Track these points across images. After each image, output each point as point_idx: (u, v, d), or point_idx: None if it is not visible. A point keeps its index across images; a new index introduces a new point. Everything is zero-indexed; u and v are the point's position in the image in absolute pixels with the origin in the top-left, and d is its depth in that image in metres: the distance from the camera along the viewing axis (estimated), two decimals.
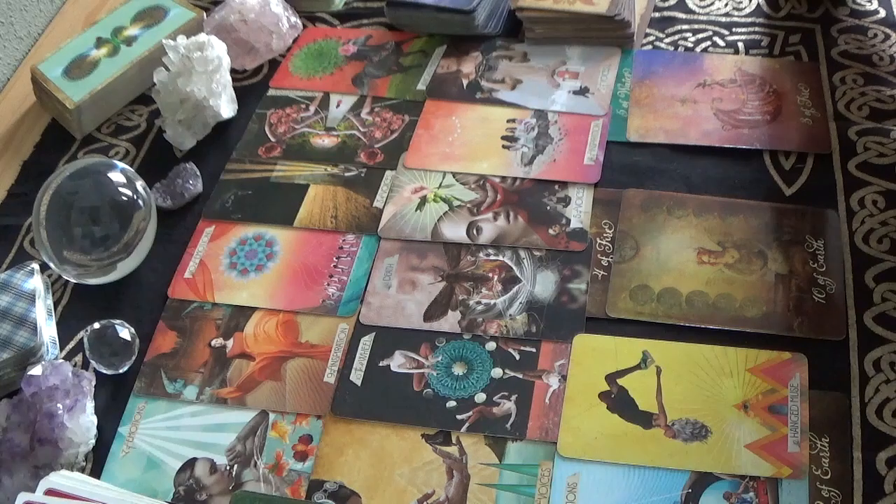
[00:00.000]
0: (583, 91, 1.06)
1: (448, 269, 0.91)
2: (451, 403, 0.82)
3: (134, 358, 0.87)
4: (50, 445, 0.78)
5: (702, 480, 0.75)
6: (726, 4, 1.15)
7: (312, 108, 1.10)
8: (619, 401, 0.80)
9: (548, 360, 0.84)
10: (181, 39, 1.03)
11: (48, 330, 0.90)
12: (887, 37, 1.07)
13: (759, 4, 1.14)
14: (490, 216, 0.95)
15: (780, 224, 0.91)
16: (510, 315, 0.87)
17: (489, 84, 1.08)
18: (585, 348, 0.84)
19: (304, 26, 1.19)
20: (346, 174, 1.02)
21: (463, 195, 0.97)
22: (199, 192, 1.02)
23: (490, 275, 0.90)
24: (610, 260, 0.90)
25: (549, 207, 0.95)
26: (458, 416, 0.81)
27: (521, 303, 0.88)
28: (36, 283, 0.90)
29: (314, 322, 0.89)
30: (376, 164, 1.02)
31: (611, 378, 0.81)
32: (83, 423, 0.80)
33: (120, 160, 1.01)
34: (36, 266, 0.92)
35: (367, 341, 0.87)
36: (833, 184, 0.93)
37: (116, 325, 0.87)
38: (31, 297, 0.89)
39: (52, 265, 0.91)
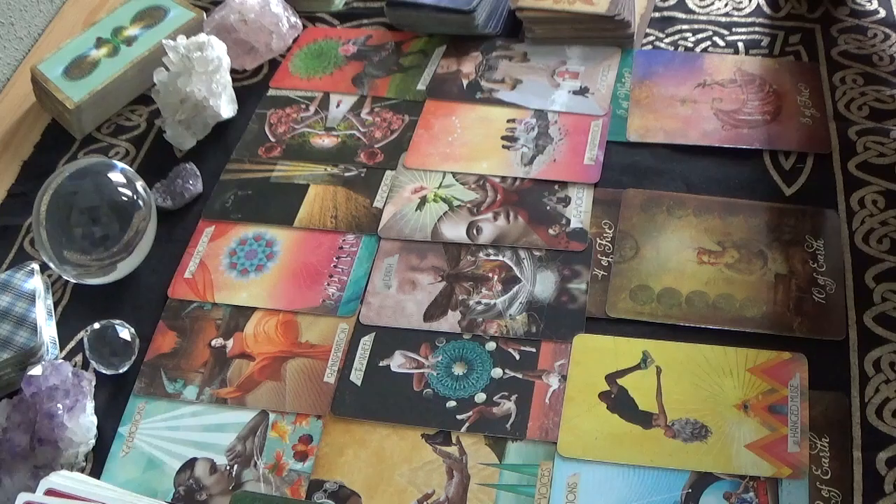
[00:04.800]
0: (583, 91, 1.06)
1: (448, 269, 0.91)
2: (451, 403, 0.82)
3: (134, 358, 0.87)
4: (50, 445, 0.78)
5: (702, 480, 0.75)
6: (726, 4, 1.15)
7: (312, 108, 1.10)
8: (619, 401, 0.80)
9: (548, 360, 0.84)
10: (181, 39, 1.03)
11: (48, 330, 0.90)
12: (887, 37, 1.07)
13: (759, 4, 1.14)
14: (490, 216, 0.95)
15: (780, 224, 0.91)
16: (510, 315, 0.87)
17: (489, 84, 1.08)
18: (585, 348, 0.84)
19: (304, 26, 1.19)
20: (346, 174, 1.02)
21: (463, 195, 0.97)
22: (199, 192, 1.02)
23: (490, 275, 0.90)
24: (610, 260, 0.90)
25: (549, 207, 0.95)
26: (458, 416, 0.81)
27: (521, 303, 0.88)
28: (36, 283, 0.90)
29: (314, 322, 0.89)
30: (376, 164, 1.02)
31: (611, 378, 0.81)
32: (83, 423, 0.80)
33: (120, 160, 1.01)
34: (36, 266, 0.92)
35: (367, 341, 0.87)
36: (833, 184, 0.93)
37: (116, 325, 0.87)
38: (31, 298, 0.89)
39: (52, 265, 0.91)
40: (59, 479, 0.71)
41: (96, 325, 0.87)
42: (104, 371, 0.86)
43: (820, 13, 1.11)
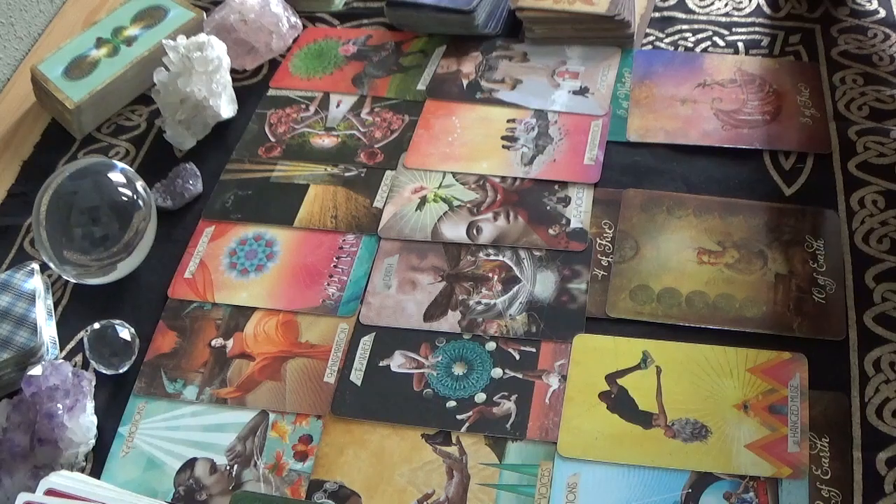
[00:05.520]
0: (583, 91, 1.06)
1: (448, 269, 0.91)
2: (451, 403, 0.82)
3: (134, 358, 0.87)
4: (50, 445, 0.78)
5: (702, 480, 0.75)
6: (726, 4, 1.15)
7: (312, 108, 1.10)
8: (619, 401, 0.80)
9: (548, 360, 0.84)
10: (181, 39, 1.03)
11: (48, 330, 0.90)
12: (887, 37, 1.07)
13: (759, 4, 1.14)
14: (490, 216, 0.95)
15: (780, 224, 0.91)
16: (510, 315, 0.87)
17: (489, 84, 1.08)
18: (585, 348, 0.84)
19: (304, 26, 1.19)
20: (346, 174, 1.02)
21: (463, 195, 0.97)
22: (199, 192, 1.02)
23: (490, 275, 0.90)
24: (610, 260, 0.90)
25: (549, 207, 0.95)
26: (458, 416, 0.81)
27: (521, 303, 0.88)
28: (36, 283, 0.90)
29: (314, 322, 0.89)
30: (376, 164, 1.02)
31: (611, 378, 0.81)
32: (83, 423, 0.80)
33: (120, 160, 1.01)
34: (36, 266, 0.92)
35: (367, 341, 0.87)
36: (833, 184, 0.93)
37: (116, 325, 0.87)
38: (31, 298, 0.89)
39: (52, 265, 0.91)
40: (59, 479, 0.71)
41: (96, 325, 0.87)
42: (104, 371, 0.86)
43: (820, 13, 1.11)
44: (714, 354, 0.82)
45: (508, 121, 1.04)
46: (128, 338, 0.87)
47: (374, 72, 1.13)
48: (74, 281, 0.93)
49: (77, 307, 0.94)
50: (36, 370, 0.80)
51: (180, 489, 0.79)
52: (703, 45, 1.10)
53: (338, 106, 1.10)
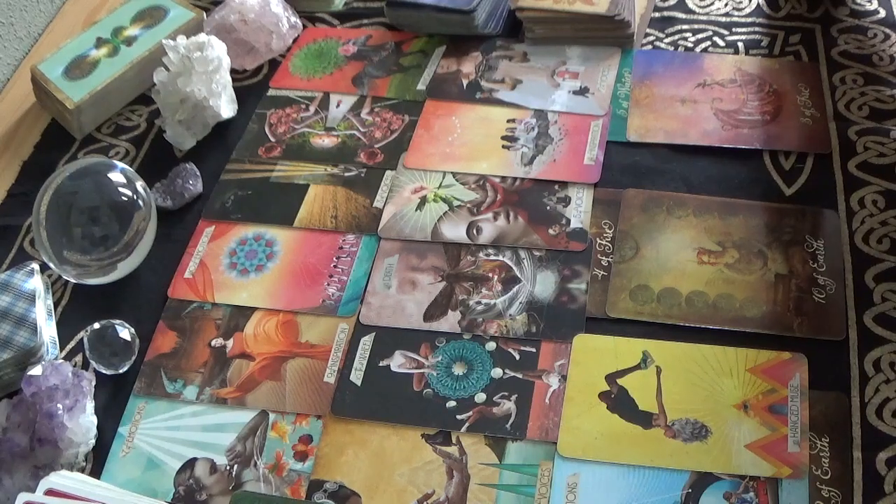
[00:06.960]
0: (583, 91, 1.06)
1: (448, 269, 0.91)
2: (451, 403, 0.82)
3: (134, 358, 0.87)
4: (50, 445, 0.78)
5: (702, 480, 0.75)
6: (726, 4, 1.15)
7: (312, 108, 1.10)
8: (619, 401, 0.80)
9: (548, 360, 0.84)
10: (181, 39, 1.03)
11: (48, 330, 0.90)
12: (887, 37, 1.07)
13: (759, 4, 1.14)
14: (490, 216, 0.95)
15: (780, 224, 0.91)
16: (510, 315, 0.87)
17: (489, 84, 1.08)
18: (585, 348, 0.84)
19: (304, 26, 1.19)
20: (346, 174, 1.02)
21: (463, 195, 0.97)
22: (199, 192, 1.02)
23: (490, 275, 0.90)
24: (610, 260, 0.90)
25: (549, 207, 0.95)
26: (458, 416, 0.81)
27: (521, 303, 0.88)
28: (36, 283, 0.90)
29: (314, 322, 0.89)
30: (376, 164, 1.02)
31: (611, 378, 0.81)
32: (83, 423, 0.80)
33: (120, 160, 1.01)
34: (36, 266, 0.92)
35: (367, 341, 0.87)
36: (833, 184, 0.93)
37: (116, 325, 0.87)
38: (31, 298, 0.89)
39: (52, 265, 0.91)
40: (59, 479, 0.71)
41: (96, 325, 0.87)
42: (104, 371, 0.87)
43: (820, 13, 1.11)
44: (714, 354, 0.82)
45: (508, 121, 1.04)
46: (128, 338, 0.87)
47: (374, 72, 1.13)
48: (74, 281, 0.93)
49: (77, 307, 0.94)
50: (36, 370, 0.80)
51: (180, 489, 0.79)
52: (703, 45, 1.10)
53: (338, 106, 1.10)
